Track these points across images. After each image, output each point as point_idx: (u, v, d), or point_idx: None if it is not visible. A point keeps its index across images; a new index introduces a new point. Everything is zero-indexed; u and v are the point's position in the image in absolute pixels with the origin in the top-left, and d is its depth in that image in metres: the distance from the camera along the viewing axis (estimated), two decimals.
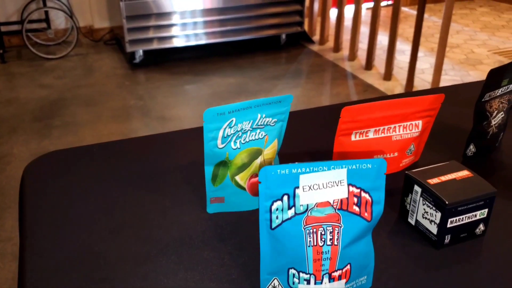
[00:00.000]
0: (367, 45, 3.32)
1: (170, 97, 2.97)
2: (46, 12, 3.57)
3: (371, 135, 0.76)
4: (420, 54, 3.51)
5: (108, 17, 3.85)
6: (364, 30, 3.74)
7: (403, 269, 0.61)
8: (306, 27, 3.80)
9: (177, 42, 3.38)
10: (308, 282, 0.54)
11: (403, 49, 3.67)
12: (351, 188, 0.52)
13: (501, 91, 0.80)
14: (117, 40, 3.77)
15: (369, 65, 3.35)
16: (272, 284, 0.55)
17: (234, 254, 0.64)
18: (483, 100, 0.79)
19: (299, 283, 0.54)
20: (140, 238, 0.66)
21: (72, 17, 3.55)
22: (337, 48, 3.65)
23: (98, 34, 3.87)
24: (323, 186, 0.52)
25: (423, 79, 3.19)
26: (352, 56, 3.51)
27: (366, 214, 0.53)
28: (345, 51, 3.63)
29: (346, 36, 3.70)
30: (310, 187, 0.52)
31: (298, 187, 0.52)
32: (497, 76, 0.77)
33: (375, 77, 3.24)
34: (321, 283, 0.54)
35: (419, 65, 3.36)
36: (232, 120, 0.66)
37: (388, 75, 3.19)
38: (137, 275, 0.60)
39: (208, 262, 0.62)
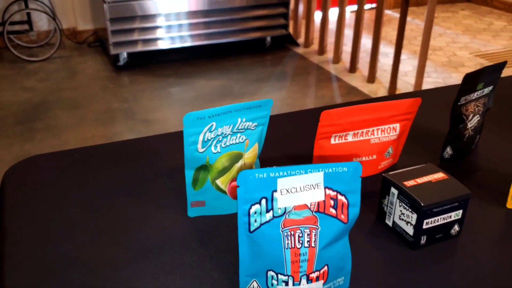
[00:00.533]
0: (351, 48, 3.35)
1: (155, 99, 2.96)
2: (28, 14, 3.54)
3: (350, 138, 0.78)
4: (403, 57, 3.55)
5: (92, 19, 3.83)
6: (348, 33, 3.77)
7: (380, 270, 0.62)
8: (291, 29, 3.83)
9: (162, 45, 3.37)
10: (287, 283, 0.55)
11: (387, 52, 3.71)
12: (327, 191, 0.54)
13: (477, 94, 0.82)
14: (101, 42, 3.75)
15: (353, 67, 3.38)
16: (251, 286, 0.56)
17: (215, 257, 0.64)
18: (459, 103, 0.80)
19: (277, 284, 0.55)
20: (121, 243, 0.67)
21: (55, 19, 3.53)
22: (321, 50, 3.67)
23: (82, 36, 3.85)
24: (300, 189, 0.53)
25: (406, 82, 3.23)
26: (337, 59, 3.54)
27: (342, 216, 0.54)
28: (330, 53, 3.66)
29: (330, 39, 3.73)
30: (287, 191, 0.53)
31: (276, 191, 0.53)
32: (472, 80, 0.79)
33: (359, 80, 3.27)
34: (299, 284, 0.55)
35: (402, 67, 3.40)
36: (212, 125, 0.66)
37: (371, 77, 3.22)
38: (118, 280, 0.60)
39: (188, 265, 0.63)
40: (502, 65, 0.83)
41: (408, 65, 3.49)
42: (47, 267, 0.62)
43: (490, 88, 0.84)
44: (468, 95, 0.81)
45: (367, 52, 3.57)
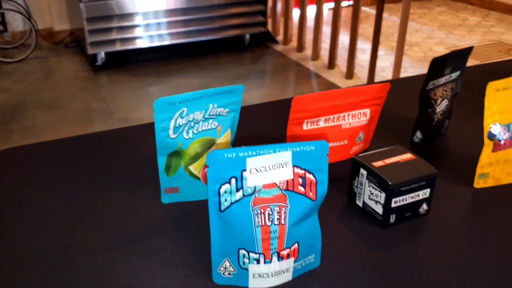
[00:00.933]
0: (329, 45, 3.38)
1: (133, 99, 2.95)
2: (2, 14, 3.49)
3: (321, 124, 0.79)
4: (380, 52, 3.60)
5: (68, 19, 3.79)
6: (326, 30, 3.80)
7: (351, 248, 0.64)
8: (269, 27, 3.84)
9: (140, 43, 3.36)
10: (258, 261, 0.56)
11: (364, 48, 3.75)
12: (296, 170, 0.55)
13: (445, 79, 0.84)
14: (78, 42, 3.71)
15: (331, 64, 3.41)
16: (224, 265, 0.57)
17: (190, 242, 0.65)
18: (427, 88, 0.82)
19: (249, 263, 0.56)
20: (96, 231, 0.67)
21: (30, 19, 3.48)
22: (300, 48, 3.70)
23: (58, 36, 3.81)
24: (269, 168, 0.54)
25: (384, 77, 3.27)
26: (315, 55, 3.56)
27: (311, 194, 0.55)
28: (308, 50, 3.69)
29: (309, 36, 3.75)
30: (257, 170, 0.54)
31: (245, 170, 0.54)
32: (440, 65, 0.81)
33: (337, 76, 3.30)
34: (271, 262, 0.56)
35: (380, 63, 3.44)
36: (184, 110, 0.67)
37: (350, 73, 3.25)
38: (92, 267, 0.61)
39: (163, 250, 0.64)
40: (468, 50, 0.85)
41: (386, 61, 3.54)
42: (23, 255, 0.62)
43: (458, 73, 0.87)
44: (436, 80, 0.83)
45: (345, 48, 3.61)
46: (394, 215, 0.67)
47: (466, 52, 0.85)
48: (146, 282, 0.58)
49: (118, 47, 3.30)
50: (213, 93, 0.68)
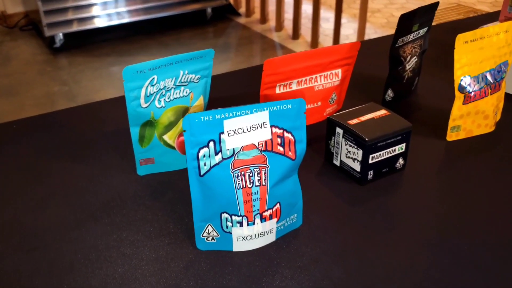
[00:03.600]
0: (293, 15, 3.36)
1: (96, 80, 2.87)
2: None
3: (294, 86, 0.78)
4: (343, 20, 3.60)
5: (22, 1, 3.63)
6: (289, 1, 3.77)
7: (330, 207, 0.64)
8: None
9: (99, 23, 3.25)
10: (241, 224, 0.55)
11: (327, 16, 3.75)
12: (274, 129, 0.54)
13: (413, 36, 0.84)
14: (34, 24, 3.57)
15: (296, 34, 3.39)
16: (206, 230, 0.56)
17: (168, 209, 0.64)
18: (396, 45, 0.83)
19: (232, 226, 0.56)
20: (69, 205, 0.65)
21: None
22: (263, 19, 3.66)
23: (12, 20, 3.65)
24: (247, 129, 0.53)
25: None
26: (279, 26, 3.54)
27: (290, 153, 0.55)
28: (272, 22, 3.65)
29: (271, 7, 3.72)
30: (234, 132, 0.53)
31: (223, 132, 0.52)
32: (407, 21, 0.81)
33: (302, 46, 3.29)
34: (254, 223, 0.56)
35: (344, 31, 3.45)
36: (154, 78, 0.65)
37: (314, 43, 3.25)
38: (68, 241, 0.59)
39: (142, 220, 0.62)
40: (435, 6, 0.85)
41: (349, 28, 3.55)
42: None
43: (425, 29, 0.87)
44: (404, 37, 0.83)
45: (309, 18, 3.60)
46: (371, 172, 0.67)
47: (432, 8, 0.85)
48: (127, 254, 0.57)
49: (76, 27, 3.19)
50: (183, 59, 0.67)
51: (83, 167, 0.72)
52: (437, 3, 0.86)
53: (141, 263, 0.56)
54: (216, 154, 0.53)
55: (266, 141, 0.54)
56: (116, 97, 0.91)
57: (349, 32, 3.48)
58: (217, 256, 0.57)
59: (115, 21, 3.29)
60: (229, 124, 0.52)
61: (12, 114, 2.53)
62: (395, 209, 0.64)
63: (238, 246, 0.57)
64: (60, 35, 3.21)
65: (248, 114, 0.53)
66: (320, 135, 0.79)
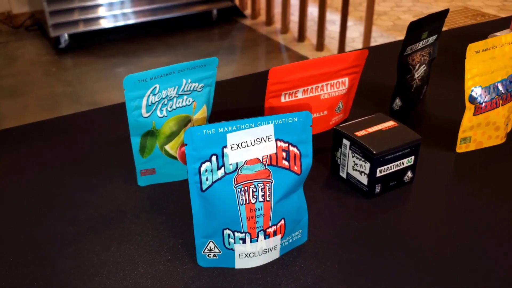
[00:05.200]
0: (298, 17, 3.34)
1: (100, 81, 2.86)
2: None
3: (300, 95, 0.76)
4: (349, 23, 3.58)
5: (28, 1, 3.63)
6: (295, 3, 3.75)
7: (337, 221, 0.62)
8: (237, 1, 3.76)
9: (104, 23, 3.24)
10: (244, 241, 0.53)
11: (333, 19, 3.72)
12: (279, 143, 0.52)
13: (422, 44, 0.82)
14: (39, 25, 3.57)
15: (301, 37, 3.37)
16: (208, 247, 0.54)
17: (169, 223, 0.62)
18: (405, 53, 0.80)
19: (234, 243, 0.54)
20: (67, 218, 0.63)
21: None
22: (269, 21, 3.64)
23: (18, 20, 3.65)
24: (251, 143, 0.51)
25: (354, 47, 3.25)
26: (285, 29, 3.52)
27: (295, 167, 0.53)
28: (278, 24, 3.63)
29: (277, 9, 3.70)
30: (238, 145, 0.51)
31: (226, 146, 0.51)
32: (417, 29, 0.79)
33: (308, 49, 3.27)
34: (257, 240, 0.54)
35: (349, 34, 3.42)
36: (156, 87, 0.63)
37: (320, 45, 3.23)
38: (66, 255, 0.57)
39: (142, 234, 0.61)
40: (444, 13, 0.83)
41: (355, 31, 3.52)
42: None
43: (434, 37, 0.85)
44: (413, 45, 0.81)
45: (314, 20, 3.57)
46: (379, 185, 0.65)
47: (442, 15, 0.83)
48: (127, 270, 0.55)
49: (82, 28, 3.19)
50: (186, 68, 0.65)
51: (82, 178, 0.71)
52: (447, 10, 0.84)
53: (140, 279, 0.54)
54: (219, 168, 0.51)
55: (270, 155, 0.52)
56: (118, 103, 0.89)
57: (355, 35, 3.45)
58: (218, 273, 0.55)
59: (121, 22, 3.28)
60: (233, 138, 0.51)
61: (16, 114, 2.52)
62: (403, 225, 0.62)
63: (241, 263, 0.55)
64: (65, 36, 3.21)
65: (252, 127, 0.51)
66: (326, 146, 0.77)
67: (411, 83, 0.84)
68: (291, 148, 0.53)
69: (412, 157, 0.66)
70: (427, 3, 4.09)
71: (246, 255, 0.54)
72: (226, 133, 0.50)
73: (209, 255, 0.55)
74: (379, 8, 3.94)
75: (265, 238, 0.54)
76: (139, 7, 3.29)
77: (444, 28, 3.45)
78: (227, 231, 0.53)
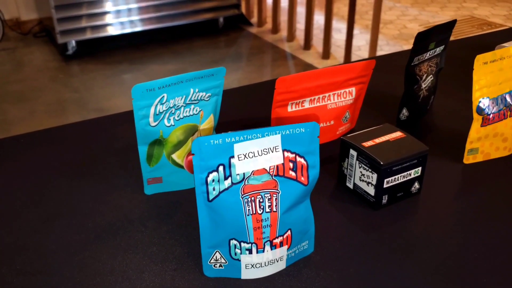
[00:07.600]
0: (305, 25, 3.35)
1: (107, 87, 2.87)
2: None
3: (307, 104, 0.76)
4: (355, 31, 3.58)
5: (36, 8, 3.66)
6: (301, 11, 3.76)
7: (344, 232, 0.62)
8: (243, 9, 3.78)
9: (112, 30, 3.27)
10: (250, 251, 0.53)
11: (339, 27, 3.73)
12: (286, 154, 0.52)
13: (429, 54, 0.82)
14: (47, 31, 3.59)
15: (307, 45, 3.38)
16: (214, 257, 0.54)
17: (176, 232, 0.62)
18: (412, 64, 0.80)
19: (241, 253, 0.54)
20: (74, 226, 0.63)
21: None
22: (275, 29, 3.65)
23: (26, 26, 3.68)
24: (258, 153, 0.51)
25: (360, 56, 3.26)
26: (291, 37, 3.53)
27: (302, 178, 0.53)
28: (284, 32, 3.64)
29: (283, 17, 3.71)
30: (245, 156, 0.51)
31: (233, 157, 0.51)
32: (424, 39, 0.79)
33: (314, 57, 3.27)
34: (263, 251, 0.53)
35: (355, 42, 3.42)
36: (164, 96, 0.63)
37: (326, 54, 3.23)
38: (73, 264, 0.57)
39: (149, 244, 0.61)
40: (452, 24, 0.83)
41: (361, 39, 3.53)
42: None
43: (442, 47, 0.85)
44: (421, 55, 0.81)
45: (320, 28, 3.58)
46: (386, 196, 0.65)
47: (450, 26, 0.83)
48: (133, 279, 0.55)
49: (89, 35, 3.21)
50: (193, 77, 0.65)
51: (89, 186, 0.71)
52: (454, 21, 0.84)
53: None
54: (226, 178, 0.51)
55: (277, 166, 0.52)
56: (125, 111, 0.90)
57: (361, 43, 3.45)
58: (224, 283, 0.55)
59: (128, 29, 3.30)
60: (240, 148, 0.51)
61: (23, 120, 2.54)
62: (410, 236, 0.61)
63: (247, 274, 0.55)
64: (73, 43, 3.23)
65: (259, 137, 0.51)
66: (333, 156, 0.77)
67: (418, 93, 0.84)
68: (298, 158, 0.53)
69: (420, 168, 0.66)
70: (433, 12, 4.09)
71: (252, 266, 0.54)
72: (233, 143, 0.50)
73: (215, 265, 0.55)
74: (385, 17, 3.94)
75: (271, 249, 0.54)
76: (146, 15, 3.31)
77: (450, 38, 3.45)
78: (233, 242, 0.53)
